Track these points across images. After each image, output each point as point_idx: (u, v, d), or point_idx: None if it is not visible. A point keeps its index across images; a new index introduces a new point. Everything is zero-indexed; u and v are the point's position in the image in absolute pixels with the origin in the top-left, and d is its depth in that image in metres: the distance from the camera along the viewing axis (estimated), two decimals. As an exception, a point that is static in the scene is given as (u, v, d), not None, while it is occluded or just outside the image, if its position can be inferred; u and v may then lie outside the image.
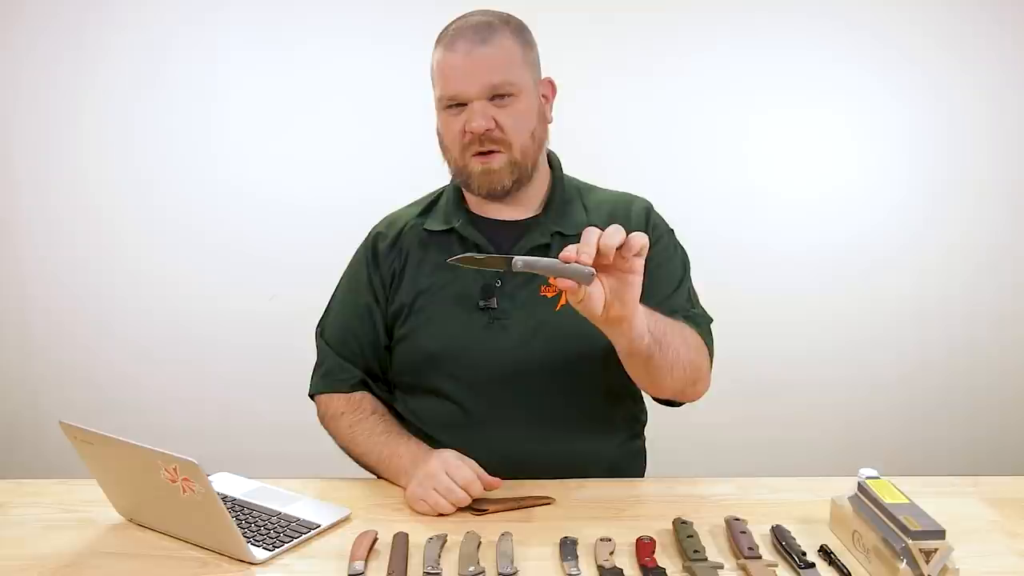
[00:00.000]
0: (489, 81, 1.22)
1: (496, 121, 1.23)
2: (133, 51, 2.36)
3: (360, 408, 1.35)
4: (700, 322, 1.29)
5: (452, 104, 1.24)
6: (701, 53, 2.37)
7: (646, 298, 1.06)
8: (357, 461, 1.34)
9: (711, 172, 2.41)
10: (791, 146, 2.41)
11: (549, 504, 1.20)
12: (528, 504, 1.19)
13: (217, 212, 2.42)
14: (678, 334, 1.18)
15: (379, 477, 1.30)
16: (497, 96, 1.23)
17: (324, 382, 1.39)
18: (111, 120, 2.39)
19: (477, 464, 1.19)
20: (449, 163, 1.31)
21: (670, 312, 1.23)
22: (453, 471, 1.17)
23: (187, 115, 2.39)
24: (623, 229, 0.99)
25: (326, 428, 1.39)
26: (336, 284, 1.45)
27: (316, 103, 2.38)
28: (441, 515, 1.16)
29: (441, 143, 1.31)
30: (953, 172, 2.42)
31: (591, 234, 0.98)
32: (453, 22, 1.28)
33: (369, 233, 1.42)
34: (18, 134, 2.41)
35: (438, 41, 1.27)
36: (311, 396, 1.42)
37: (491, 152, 1.25)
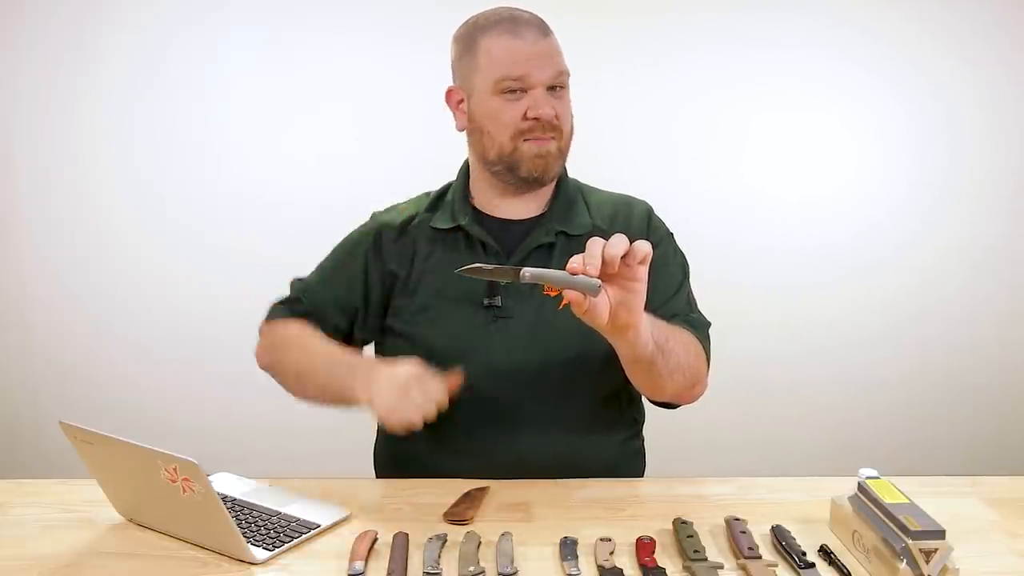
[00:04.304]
0: (557, 69, 1.25)
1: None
2: (133, 51, 2.36)
3: (315, 332, 1.33)
4: (699, 326, 1.29)
5: (511, 89, 1.23)
6: (699, 54, 2.37)
7: (646, 301, 1.06)
8: (304, 378, 1.29)
9: (709, 173, 2.41)
10: (789, 146, 2.41)
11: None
12: (479, 496, 1.19)
13: (217, 212, 2.42)
14: (679, 339, 1.19)
15: (328, 397, 1.25)
16: (552, 87, 1.24)
17: (285, 308, 1.38)
18: (111, 120, 2.39)
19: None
20: (486, 149, 1.28)
21: (670, 316, 1.23)
22: (425, 383, 1.13)
23: (187, 115, 2.39)
24: (626, 238, 0.98)
25: (268, 355, 1.36)
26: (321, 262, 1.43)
27: (316, 103, 2.38)
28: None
29: (478, 129, 1.28)
30: (952, 172, 2.42)
31: (595, 245, 0.97)
32: (487, 17, 1.27)
33: (369, 224, 1.40)
34: (18, 134, 2.41)
35: (482, 31, 1.25)
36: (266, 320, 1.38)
37: (547, 138, 1.26)
